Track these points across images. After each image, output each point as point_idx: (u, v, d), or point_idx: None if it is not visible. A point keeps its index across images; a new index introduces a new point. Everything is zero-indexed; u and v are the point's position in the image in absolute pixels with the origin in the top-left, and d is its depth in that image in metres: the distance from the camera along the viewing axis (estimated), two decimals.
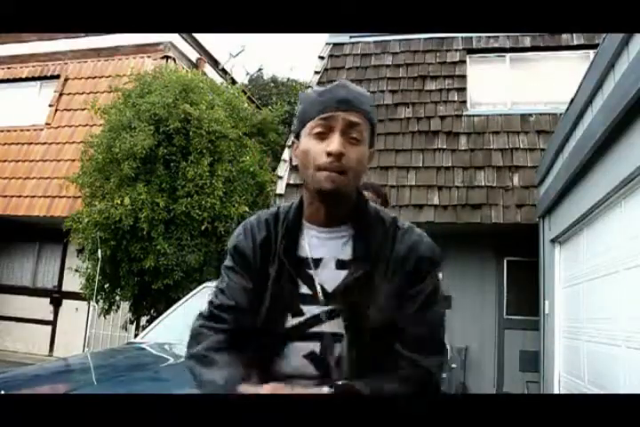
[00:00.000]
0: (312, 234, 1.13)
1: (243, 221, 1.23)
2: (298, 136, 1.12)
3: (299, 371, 1.08)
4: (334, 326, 1.08)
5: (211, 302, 1.17)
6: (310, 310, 1.09)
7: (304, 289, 1.10)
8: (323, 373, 1.07)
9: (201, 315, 1.18)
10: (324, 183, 1.04)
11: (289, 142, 7.04)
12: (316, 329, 1.08)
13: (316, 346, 1.08)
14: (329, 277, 1.10)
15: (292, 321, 1.08)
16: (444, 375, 3.46)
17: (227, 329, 1.11)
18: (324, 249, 1.12)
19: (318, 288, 1.09)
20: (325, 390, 0.97)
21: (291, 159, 1.37)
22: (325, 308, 1.08)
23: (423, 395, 1.04)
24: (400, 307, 1.07)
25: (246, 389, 0.95)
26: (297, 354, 1.08)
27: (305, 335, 1.08)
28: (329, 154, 1.03)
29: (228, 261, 1.19)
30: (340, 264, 1.10)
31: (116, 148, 5.97)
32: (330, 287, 1.09)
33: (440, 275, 1.18)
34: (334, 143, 1.04)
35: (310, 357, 1.08)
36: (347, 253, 1.11)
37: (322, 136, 1.06)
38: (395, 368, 1.04)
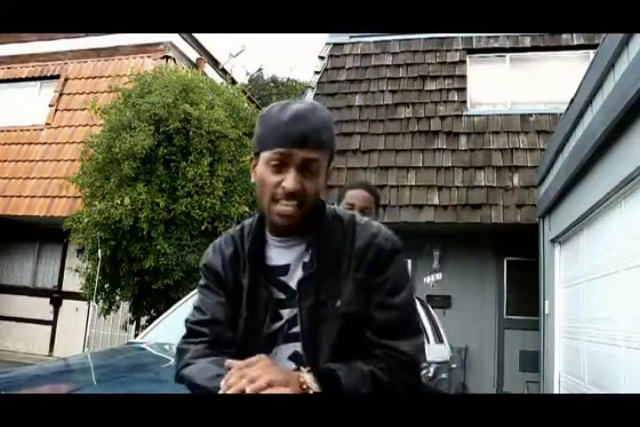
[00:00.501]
0: (275, 244, 1.18)
1: (213, 242, 1.28)
2: (257, 154, 1.14)
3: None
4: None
5: (187, 320, 1.21)
6: (287, 314, 1.13)
7: (279, 295, 1.14)
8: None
9: (182, 338, 1.21)
10: (278, 218, 1.09)
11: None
12: (295, 330, 1.12)
13: (297, 346, 1.12)
14: (299, 279, 1.14)
15: (272, 326, 1.13)
16: (444, 375, 3.45)
17: (207, 341, 1.15)
18: (289, 256, 1.16)
19: (292, 291, 1.13)
20: (305, 372, 0.98)
21: (249, 174, 1.40)
22: (297, 308, 1.12)
23: (404, 379, 1.06)
24: (368, 297, 1.10)
25: (231, 363, 0.97)
26: (282, 357, 1.12)
27: (286, 338, 1.12)
28: (284, 188, 1.06)
29: (201, 280, 1.24)
30: (306, 267, 1.14)
31: (115, 148, 5.96)
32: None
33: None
34: (290, 180, 1.06)
35: (294, 357, 1.12)
36: (308, 257, 1.14)
37: (279, 169, 1.08)
38: (371, 357, 1.06)
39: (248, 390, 0.89)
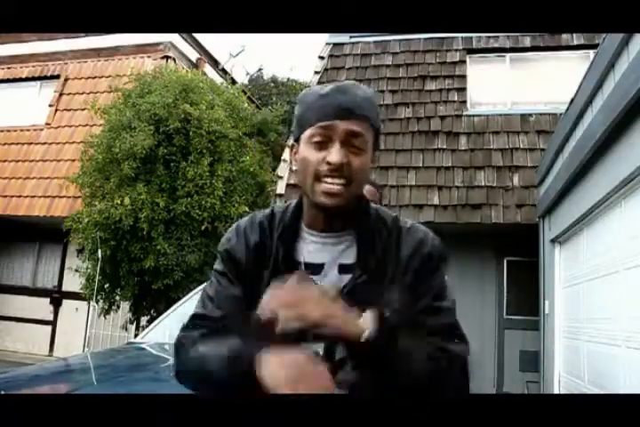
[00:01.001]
0: (311, 239, 1.09)
1: (235, 223, 1.17)
2: (297, 139, 1.07)
3: None
4: None
5: (195, 314, 1.10)
6: None
7: None
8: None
9: (182, 326, 1.12)
10: (324, 198, 1.00)
11: (289, 142, 7.04)
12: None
13: (319, 347, 1.04)
14: (333, 282, 1.05)
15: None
16: None
17: (207, 333, 1.05)
18: (325, 254, 1.07)
19: None
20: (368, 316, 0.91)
21: (291, 162, 1.34)
22: None
23: (455, 379, 1.01)
24: (414, 304, 1.04)
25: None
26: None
27: (308, 338, 1.03)
28: (329, 164, 0.99)
29: (218, 265, 1.13)
30: (344, 269, 1.06)
31: (116, 148, 5.97)
32: None
33: (446, 276, 1.15)
34: (334, 153, 0.99)
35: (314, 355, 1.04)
36: (349, 258, 1.06)
37: (321, 145, 1.01)
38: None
39: (296, 326, 0.83)
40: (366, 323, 0.89)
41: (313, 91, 1.07)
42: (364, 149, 1.03)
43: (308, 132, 1.03)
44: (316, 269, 1.06)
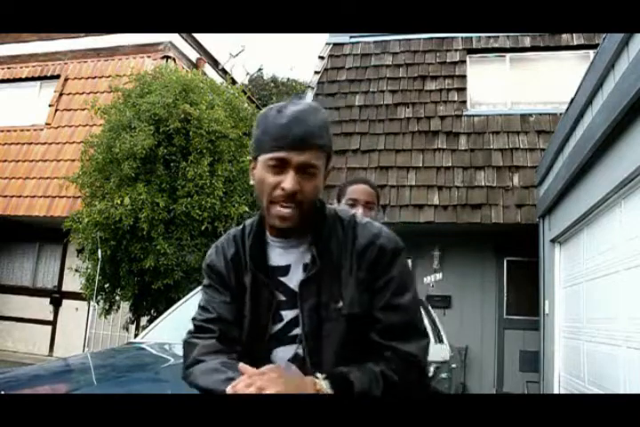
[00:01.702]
0: (276, 245, 1.18)
1: (215, 242, 1.29)
2: (255, 157, 1.14)
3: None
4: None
5: (194, 318, 1.22)
6: (288, 315, 1.13)
7: (280, 296, 1.14)
8: (308, 374, 1.08)
9: (188, 332, 1.23)
10: (278, 222, 1.09)
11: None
12: (295, 332, 1.12)
13: (298, 348, 1.12)
14: (298, 281, 1.14)
15: (274, 327, 1.13)
16: (444, 375, 3.45)
17: (216, 337, 1.16)
18: (289, 257, 1.16)
19: (294, 290, 1.13)
20: (321, 379, 0.99)
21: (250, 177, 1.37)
22: (298, 310, 1.12)
23: (413, 380, 1.07)
24: (371, 299, 1.11)
25: (243, 368, 0.98)
26: (282, 359, 1.12)
27: (287, 339, 1.13)
28: (283, 190, 1.07)
29: (205, 281, 1.25)
30: (306, 268, 1.14)
31: (116, 148, 5.96)
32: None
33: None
34: (288, 181, 1.06)
35: (295, 359, 1.12)
36: (309, 258, 1.14)
37: (277, 170, 1.08)
38: (378, 359, 1.06)
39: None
40: (324, 389, 0.97)
41: (271, 115, 1.12)
42: (316, 174, 1.10)
43: (264, 158, 1.10)
44: (283, 270, 1.16)
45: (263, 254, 1.18)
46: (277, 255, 1.18)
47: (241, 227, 1.26)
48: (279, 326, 1.13)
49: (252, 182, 1.18)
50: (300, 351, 1.11)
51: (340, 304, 1.09)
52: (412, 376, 1.07)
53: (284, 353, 1.13)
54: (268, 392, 0.89)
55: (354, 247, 1.13)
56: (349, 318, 1.09)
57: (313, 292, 1.11)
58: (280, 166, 1.08)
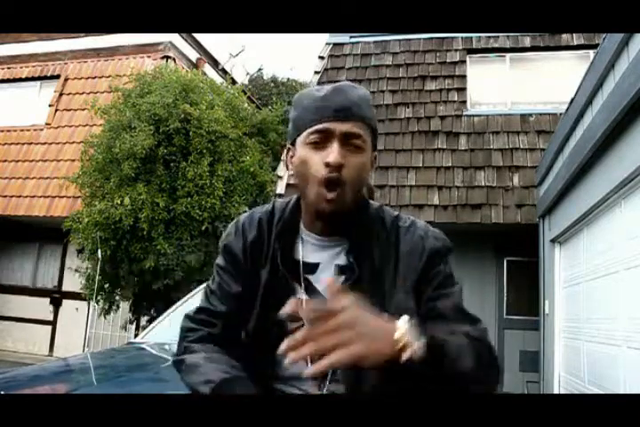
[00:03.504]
0: (309, 241, 1.08)
1: (236, 218, 1.17)
2: (293, 142, 1.06)
3: (296, 373, 1.03)
4: None
5: (201, 308, 1.12)
6: None
7: (301, 294, 1.05)
8: (320, 374, 1.04)
9: (188, 317, 1.13)
10: (323, 204, 0.99)
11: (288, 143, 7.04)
12: None
13: None
14: (326, 281, 1.04)
15: (290, 325, 1.03)
16: None
17: (216, 333, 1.08)
18: (321, 255, 1.07)
19: (319, 290, 1.04)
20: (405, 322, 0.80)
21: (287, 165, 1.28)
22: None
23: (488, 360, 0.93)
24: (419, 299, 1.01)
25: (295, 306, 0.81)
26: (292, 361, 1.05)
27: None
28: (327, 165, 0.97)
29: (219, 260, 1.14)
30: (339, 270, 1.05)
31: (115, 148, 5.97)
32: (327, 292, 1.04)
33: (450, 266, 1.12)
34: (333, 154, 0.97)
35: (309, 358, 1.05)
36: (344, 259, 1.05)
37: (319, 146, 0.99)
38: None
39: (329, 365, 0.74)
40: (404, 335, 0.80)
41: (309, 92, 1.06)
42: (362, 148, 1.02)
43: (305, 134, 1.02)
44: (310, 267, 1.06)
45: (291, 247, 1.07)
46: (308, 251, 1.07)
47: (269, 209, 1.13)
48: (294, 325, 1.01)
49: (289, 171, 1.07)
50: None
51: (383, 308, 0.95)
52: (488, 356, 0.93)
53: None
54: (348, 353, 0.73)
55: (398, 252, 1.04)
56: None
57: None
58: (322, 140, 0.99)
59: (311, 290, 1.05)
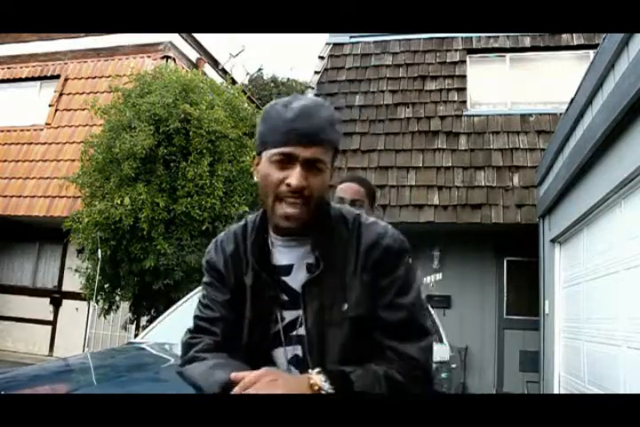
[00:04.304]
0: (278, 244, 1.15)
1: (215, 237, 1.26)
2: (260, 153, 1.11)
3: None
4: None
5: (197, 316, 1.20)
6: (289, 315, 1.11)
7: (282, 296, 1.12)
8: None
9: (189, 330, 1.21)
10: (283, 221, 1.06)
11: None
12: (295, 333, 1.10)
13: (297, 349, 1.10)
14: (301, 281, 1.11)
15: (274, 327, 1.11)
16: (444, 375, 3.45)
17: (215, 341, 1.14)
18: (292, 255, 1.13)
19: (296, 291, 1.11)
20: (314, 373, 0.97)
21: (251, 173, 1.33)
22: (302, 311, 1.10)
23: (418, 380, 1.04)
24: (375, 299, 1.08)
25: (235, 376, 0.96)
26: (282, 359, 1.11)
27: (287, 340, 1.10)
28: (289, 185, 1.03)
29: (205, 278, 1.22)
30: (310, 268, 1.11)
31: (115, 148, 5.96)
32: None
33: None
34: (295, 177, 1.03)
35: (294, 360, 1.10)
36: (313, 258, 1.12)
37: (282, 166, 1.05)
38: (380, 360, 1.04)
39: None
40: (319, 383, 0.95)
41: (277, 110, 1.08)
42: (323, 170, 1.07)
43: (270, 153, 1.06)
44: (286, 270, 1.13)
45: (266, 253, 1.15)
46: (280, 254, 1.14)
47: (243, 223, 1.22)
48: (280, 326, 1.10)
49: (255, 179, 1.14)
50: (300, 352, 1.09)
51: (345, 306, 1.07)
52: (418, 376, 1.05)
53: (284, 353, 1.11)
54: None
55: (358, 248, 1.10)
56: (354, 320, 1.06)
57: (317, 294, 1.08)
58: (286, 162, 1.04)
59: (288, 290, 1.12)
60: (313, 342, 1.08)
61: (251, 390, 0.90)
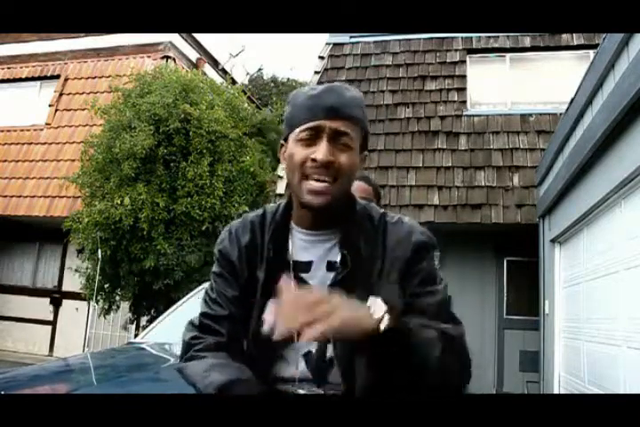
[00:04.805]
0: (300, 237, 1.11)
1: (228, 224, 1.20)
2: (286, 139, 1.09)
3: (295, 370, 1.06)
4: None
5: (203, 314, 1.14)
6: None
7: None
8: (319, 373, 1.05)
9: (192, 324, 1.15)
10: (310, 197, 1.02)
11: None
12: None
13: (312, 346, 1.06)
14: (321, 279, 1.08)
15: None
16: None
17: (220, 341, 1.09)
18: (313, 252, 1.09)
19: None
20: (379, 305, 0.89)
21: (279, 161, 1.32)
22: None
23: (459, 360, 1.00)
24: (403, 293, 1.04)
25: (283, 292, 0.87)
26: (294, 353, 1.07)
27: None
28: (314, 160, 1.00)
29: (215, 267, 1.16)
30: (331, 266, 1.08)
31: (115, 148, 5.97)
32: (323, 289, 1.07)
33: (437, 260, 1.14)
34: (321, 151, 1.00)
35: (307, 357, 1.07)
36: (337, 255, 1.08)
37: (309, 143, 1.02)
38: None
39: (311, 337, 0.80)
40: (378, 312, 0.88)
41: (302, 91, 1.09)
42: (350, 146, 1.04)
43: (296, 131, 1.05)
44: (304, 266, 1.09)
45: (284, 247, 1.10)
46: (300, 249, 1.09)
47: (260, 212, 1.17)
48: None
49: (281, 166, 1.12)
50: (314, 349, 1.05)
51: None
52: (461, 356, 0.99)
53: (294, 352, 1.06)
54: (322, 330, 0.79)
55: (385, 245, 1.07)
56: None
57: (344, 294, 1.03)
58: (312, 137, 1.02)
59: (305, 287, 1.06)
60: (341, 347, 1.03)
61: (307, 316, 0.81)
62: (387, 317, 0.87)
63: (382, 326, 0.86)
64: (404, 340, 0.89)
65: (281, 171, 6.86)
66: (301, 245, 1.10)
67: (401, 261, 1.06)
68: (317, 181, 1.01)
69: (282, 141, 1.12)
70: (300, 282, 1.07)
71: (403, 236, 1.09)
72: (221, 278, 1.14)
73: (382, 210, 1.17)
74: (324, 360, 1.05)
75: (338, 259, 1.07)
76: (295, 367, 1.06)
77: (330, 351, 1.05)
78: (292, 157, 1.04)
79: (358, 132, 1.07)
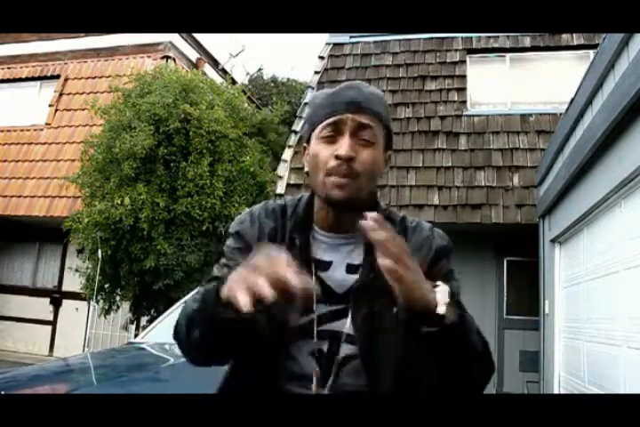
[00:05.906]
0: (321, 239, 1.09)
1: (248, 209, 1.17)
2: (308, 140, 1.08)
3: (304, 369, 1.04)
4: (342, 326, 1.05)
5: (214, 277, 1.06)
6: (319, 309, 1.05)
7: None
8: (328, 371, 1.04)
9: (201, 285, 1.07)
10: (333, 191, 1.00)
11: (289, 142, 7.04)
12: (323, 328, 1.05)
13: (323, 344, 1.05)
14: (339, 280, 1.07)
15: (300, 319, 1.04)
16: None
17: None
18: (334, 254, 1.08)
19: (332, 288, 1.06)
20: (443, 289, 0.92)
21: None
22: (334, 307, 1.05)
23: (488, 353, 1.02)
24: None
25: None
26: (304, 352, 1.05)
27: (311, 335, 1.04)
28: (337, 157, 0.99)
29: (230, 242, 1.12)
30: (351, 269, 1.07)
31: (116, 148, 5.97)
32: (340, 290, 1.06)
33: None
34: (343, 146, 0.99)
35: (317, 355, 1.05)
36: (356, 259, 1.07)
37: (331, 139, 1.01)
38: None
39: None
40: (442, 294, 0.90)
41: (323, 91, 1.09)
42: (373, 141, 1.03)
43: (318, 129, 1.04)
44: (325, 265, 1.07)
45: (307, 242, 1.07)
46: (320, 250, 1.08)
47: (281, 204, 1.14)
48: (306, 319, 1.03)
49: (305, 169, 1.07)
50: (325, 347, 1.04)
51: (395, 310, 0.99)
52: (485, 345, 1.03)
53: (304, 347, 1.04)
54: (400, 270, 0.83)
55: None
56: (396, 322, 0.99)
57: (366, 301, 1.02)
58: (334, 133, 1.01)
59: (322, 287, 1.05)
60: (365, 349, 1.02)
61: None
62: (448, 302, 0.89)
63: (441, 309, 0.88)
64: (463, 326, 0.94)
65: (281, 171, 6.86)
66: (321, 246, 1.09)
67: (422, 265, 1.04)
68: (340, 176, 0.99)
69: (304, 144, 1.11)
70: (317, 279, 1.05)
71: (423, 240, 1.10)
72: (238, 252, 1.08)
73: (402, 214, 1.17)
74: (335, 359, 1.04)
75: (358, 262, 1.06)
76: (305, 366, 1.05)
77: (344, 350, 1.03)
78: (316, 156, 1.02)
79: (381, 129, 1.05)
